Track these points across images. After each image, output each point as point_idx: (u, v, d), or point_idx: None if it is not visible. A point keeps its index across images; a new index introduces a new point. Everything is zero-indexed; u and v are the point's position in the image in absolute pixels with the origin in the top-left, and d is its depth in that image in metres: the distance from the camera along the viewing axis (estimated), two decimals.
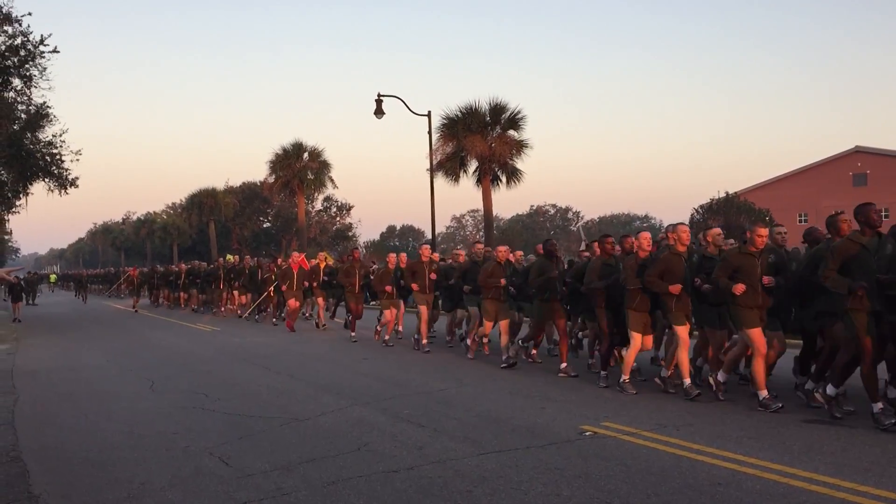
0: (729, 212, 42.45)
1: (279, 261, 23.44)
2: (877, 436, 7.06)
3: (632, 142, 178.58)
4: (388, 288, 15.36)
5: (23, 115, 25.30)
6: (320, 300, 20.26)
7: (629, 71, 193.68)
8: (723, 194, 45.88)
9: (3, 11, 23.68)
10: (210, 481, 6.13)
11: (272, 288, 21.77)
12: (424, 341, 14.50)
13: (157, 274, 35.18)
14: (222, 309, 25.55)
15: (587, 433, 7.39)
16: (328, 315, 21.24)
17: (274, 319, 22.14)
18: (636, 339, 9.57)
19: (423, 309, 14.64)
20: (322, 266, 20.13)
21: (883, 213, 58.95)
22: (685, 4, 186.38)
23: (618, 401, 9.05)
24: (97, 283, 57.05)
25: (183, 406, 9.46)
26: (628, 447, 6.84)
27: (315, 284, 19.72)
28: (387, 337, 15.56)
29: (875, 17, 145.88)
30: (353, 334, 16.54)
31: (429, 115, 27.60)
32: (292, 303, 19.83)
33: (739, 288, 8.26)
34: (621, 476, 5.94)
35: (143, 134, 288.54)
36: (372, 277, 16.61)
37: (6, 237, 67.71)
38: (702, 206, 45.42)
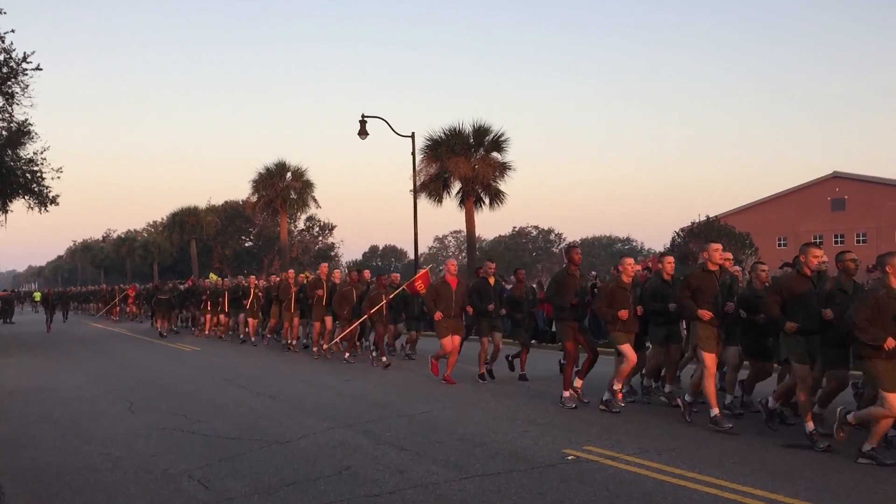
0: (709, 235, 42.74)
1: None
2: (857, 462, 7.09)
3: (614, 165, 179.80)
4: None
5: (3, 133, 25.15)
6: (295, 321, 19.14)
7: (612, 94, 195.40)
8: (703, 218, 46.25)
9: None
10: None
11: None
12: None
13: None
14: (206, 331, 24.82)
15: (569, 457, 7.39)
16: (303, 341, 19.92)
17: (294, 341, 19.37)
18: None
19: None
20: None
21: (861, 238, 59.74)
22: (667, 29, 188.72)
23: (600, 424, 9.06)
24: (81, 301, 52.56)
25: (162, 428, 9.36)
26: (610, 471, 6.84)
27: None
28: (383, 358, 15.28)
29: (854, 44, 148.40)
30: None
31: (412, 136, 27.69)
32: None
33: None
34: (603, 501, 5.94)
35: (124, 151, 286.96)
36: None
37: None
38: (683, 230, 45.75)
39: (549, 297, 10.97)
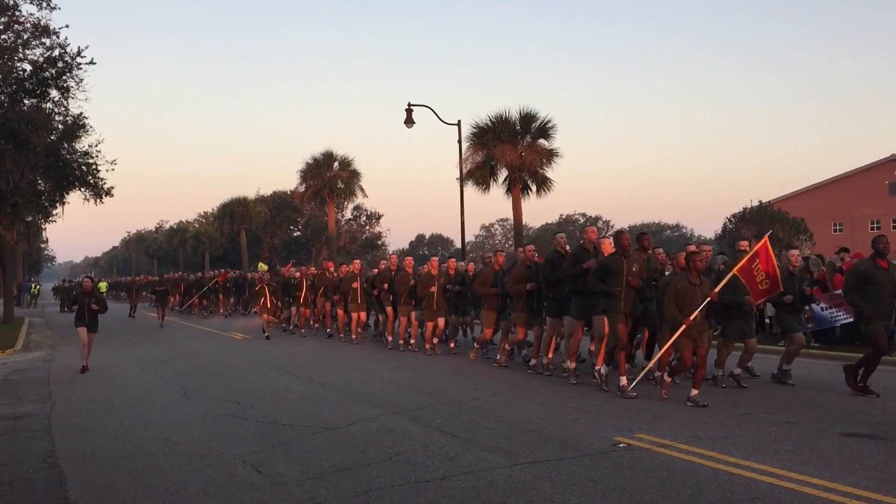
0: (762, 221, 41.89)
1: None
2: None
3: (663, 150, 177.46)
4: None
5: (60, 126, 25.75)
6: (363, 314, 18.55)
7: (661, 80, 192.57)
8: (756, 203, 45.33)
9: (41, 24, 24.22)
10: (243, 489, 6.16)
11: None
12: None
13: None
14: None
15: (621, 445, 7.31)
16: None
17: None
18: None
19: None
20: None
21: None
22: (721, 12, 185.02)
23: (651, 412, 8.95)
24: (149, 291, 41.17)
25: (216, 413, 9.52)
26: (663, 459, 6.75)
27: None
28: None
29: None
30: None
31: (458, 124, 27.66)
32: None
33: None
34: (657, 489, 5.86)
35: (175, 143, 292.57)
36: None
37: (42, 246, 68.95)
38: (734, 216, 44.92)
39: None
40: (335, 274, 19.81)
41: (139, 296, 38.14)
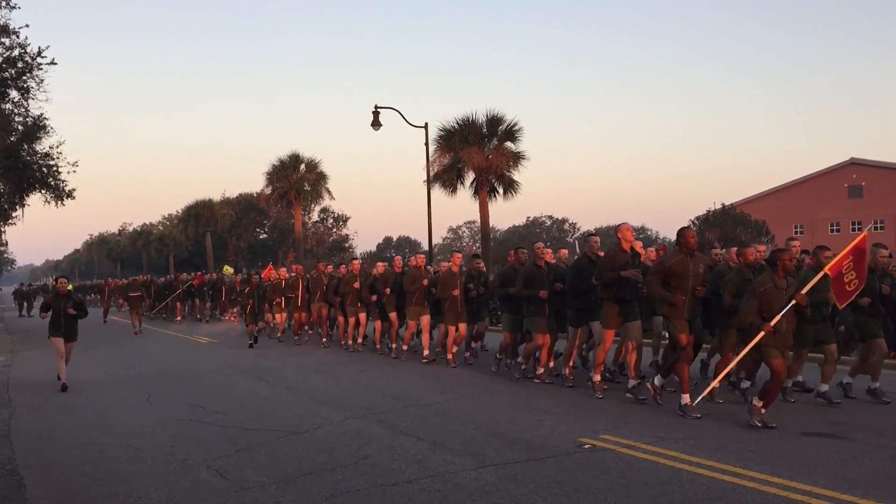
0: (725, 223, 42.50)
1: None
2: (876, 450, 7.05)
3: (629, 154, 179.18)
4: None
5: (20, 127, 25.31)
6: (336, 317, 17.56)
7: (625, 84, 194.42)
8: (719, 206, 45.95)
9: (0, 24, 23.79)
10: (208, 495, 6.11)
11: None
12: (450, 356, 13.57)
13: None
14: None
15: (586, 446, 7.38)
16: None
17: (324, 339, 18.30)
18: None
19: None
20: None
21: (879, 225, 59.19)
22: (684, 16, 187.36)
23: (616, 413, 9.03)
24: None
25: (180, 419, 9.42)
26: (627, 460, 6.83)
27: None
28: (404, 347, 14.91)
29: (871, 29, 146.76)
30: (468, 355, 14.40)
31: (426, 126, 27.66)
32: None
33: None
34: (621, 489, 5.93)
35: (139, 145, 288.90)
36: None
37: (2, 248, 67.57)
38: (698, 218, 45.49)
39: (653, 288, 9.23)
40: (324, 274, 18.12)
41: (111, 299, 35.31)
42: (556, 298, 11.17)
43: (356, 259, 16.69)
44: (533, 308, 11.27)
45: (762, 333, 8.20)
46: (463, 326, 13.74)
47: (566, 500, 5.68)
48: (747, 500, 5.59)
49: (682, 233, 9.06)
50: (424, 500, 5.78)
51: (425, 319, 14.35)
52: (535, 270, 11.29)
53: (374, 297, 15.65)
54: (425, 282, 14.25)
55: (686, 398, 8.76)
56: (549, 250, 12.00)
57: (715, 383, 9.29)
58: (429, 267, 16.86)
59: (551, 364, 11.75)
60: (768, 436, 7.66)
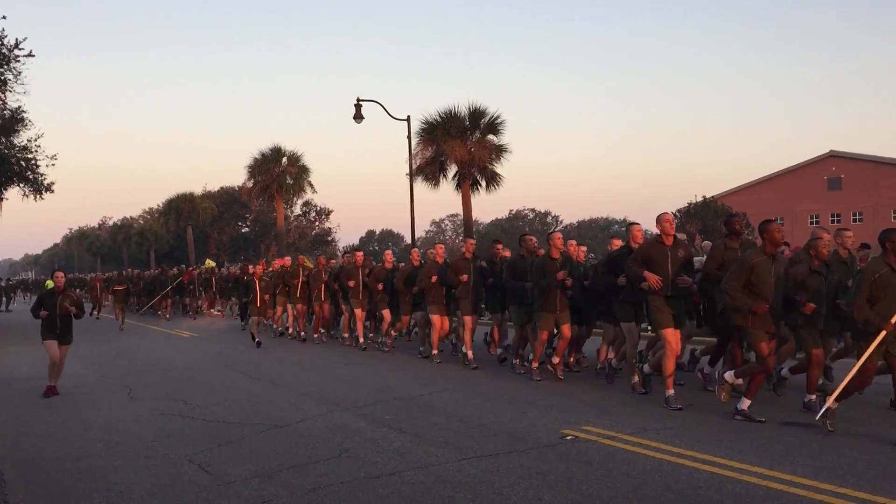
0: (706, 216, 42.85)
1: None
2: (854, 439, 7.13)
3: (611, 147, 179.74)
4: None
5: None
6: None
7: (607, 77, 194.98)
8: (700, 198, 46.29)
9: None
10: (190, 489, 6.08)
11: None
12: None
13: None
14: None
15: (568, 437, 7.41)
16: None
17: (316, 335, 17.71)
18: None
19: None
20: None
21: (858, 217, 59.77)
22: (665, 10, 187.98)
23: (599, 405, 9.08)
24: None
25: (162, 413, 9.38)
26: (609, 451, 6.87)
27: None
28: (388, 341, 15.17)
29: (850, 24, 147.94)
30: (496, 351, 13.54)
31: (408, 119, 27.63)
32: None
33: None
34: (602, 480, 5.96)
35: (118, 138, 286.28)
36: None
37: None
38: (679, 210, 45.81)
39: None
40: (324, 268, 17.60)
41: (103, 295, 33.37)
42: (576, 292, 11.01)
43: (360, 251, 16.22)
44: (543, 302, 10.67)
45: (884, 333, 7.05)
46: (474, 318, 12.81)
47: (548, 491, 5.70)
48: (727, 489, 5.64)
49: (764, 226, 7.69)
50: (407, 493, 5.79)
51: (470, 319, 12.78)
52: (551, 262, 10.77)
53: (381, 286, 14.98)
54: (465, 277, 12.53)
55: (746, 403, 7.92)
56: (573, 241, 11.99)
57: (838, 392, 7.44)
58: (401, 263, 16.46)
59: (571, 359, 11.89)
60: (748, 426, 7.72)
